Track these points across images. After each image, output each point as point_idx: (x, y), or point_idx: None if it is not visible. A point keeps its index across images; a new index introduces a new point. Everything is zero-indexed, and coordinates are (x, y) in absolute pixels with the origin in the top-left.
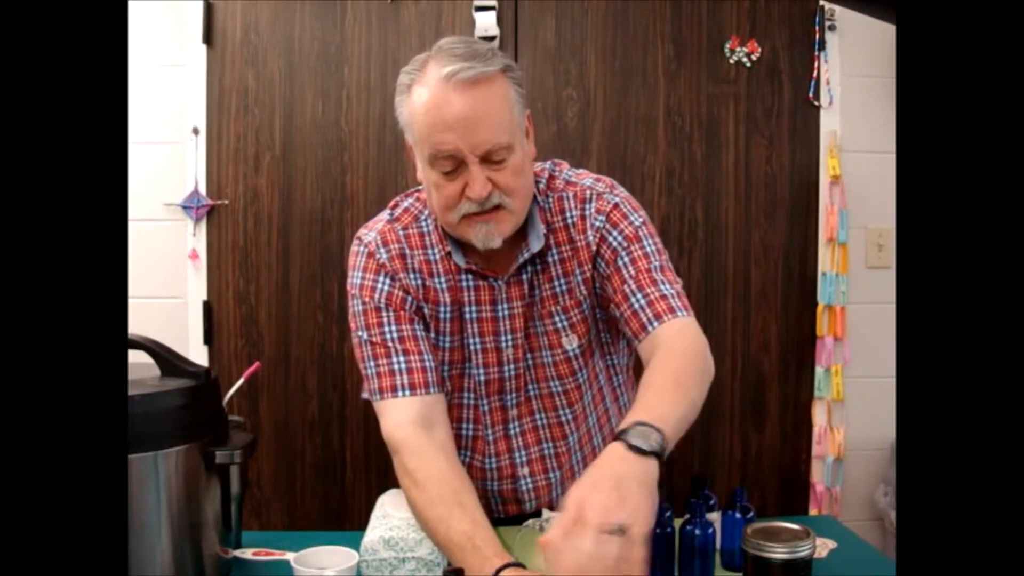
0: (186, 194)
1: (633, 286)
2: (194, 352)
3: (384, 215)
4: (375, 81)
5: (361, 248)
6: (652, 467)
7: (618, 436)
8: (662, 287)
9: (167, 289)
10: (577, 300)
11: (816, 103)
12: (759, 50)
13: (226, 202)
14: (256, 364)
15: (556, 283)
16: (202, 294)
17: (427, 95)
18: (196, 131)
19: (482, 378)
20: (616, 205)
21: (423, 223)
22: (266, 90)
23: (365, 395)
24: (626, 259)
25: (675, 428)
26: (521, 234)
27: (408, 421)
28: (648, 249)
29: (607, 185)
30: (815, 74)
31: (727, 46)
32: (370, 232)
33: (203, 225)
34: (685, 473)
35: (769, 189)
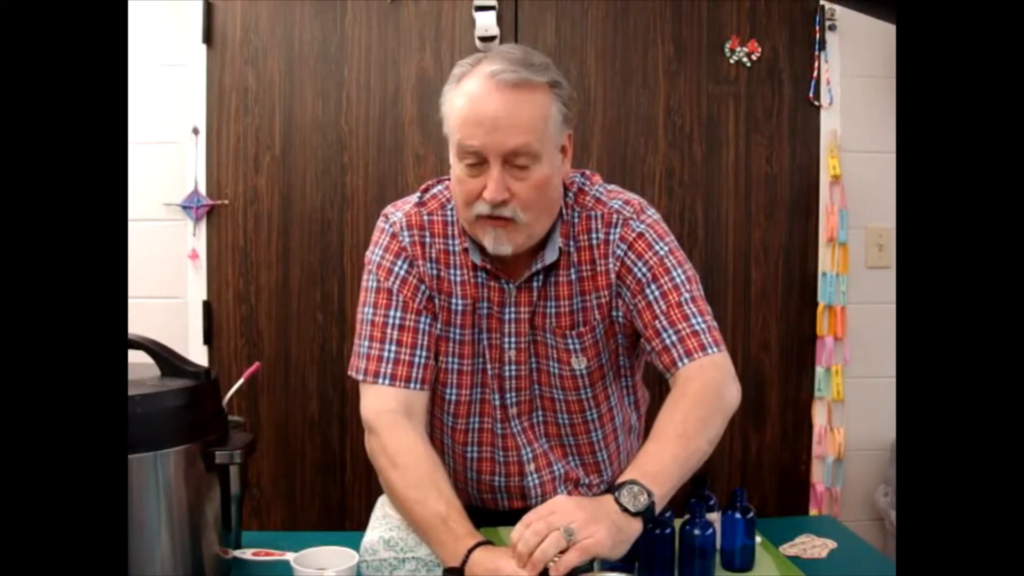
0: (186, 194)
1: (664, 322)
2: (194, 352)
3: (414, 197)
4: (375, 81)
5: (387, 226)
6: (632, 526)
7: (612, 490)
8: (693, 321)
9: (167, 289)
10: (591, 325)
11: (816, 103)
12: (759, 50)
13: (226, 202)
14: (256, 364)
15: (574, 301)
16: (202, 294)
17: (468, 89)
18: (196, 131)
19: (492, 372)
20: (640, 234)
21: (448, 212)
22: (266, 90)
23: (351, 372)
24: (656, 293)
25: (671, 484)
26: (540, 242)
27: (389, 409)
28: (677, 280)
29: (635, 209)
30: (815, 74)
31: (727, 46)
32: (397, 212)
33: (203, 225)
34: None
35: (769, 189)
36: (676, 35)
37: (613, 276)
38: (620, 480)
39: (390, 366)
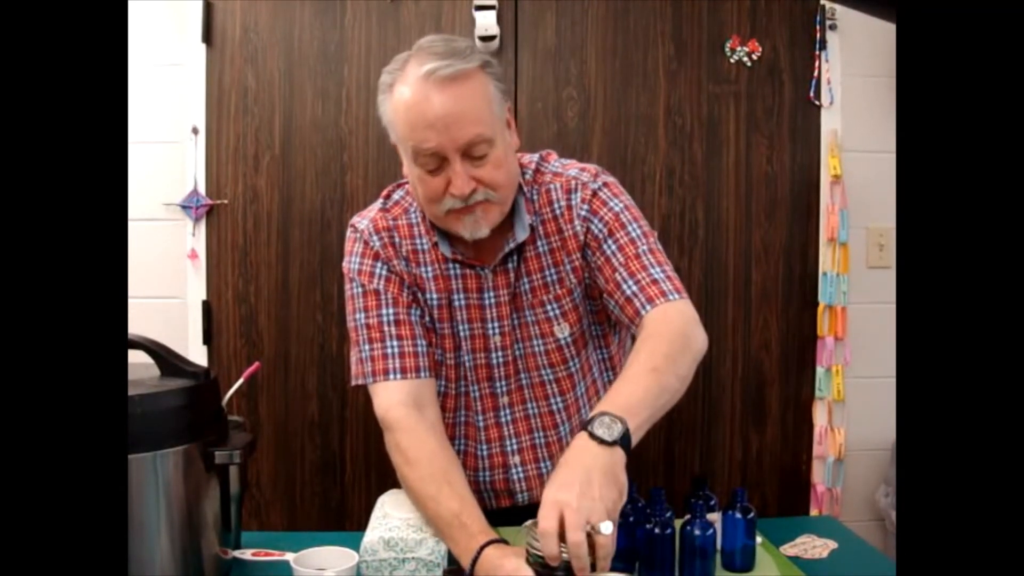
0: (186, 194)
1: (624, 273)
2: (194, 352)
3: (377, 204)
4: (375, 81)
5: (357, 235)
6: (616, 456)
7: (585, 426)
8: (652, 271)
9: (167, 289)
10: (568, 289)
11: (817, 103)
12: (760, 49)
13: (226, 202)
14: (256, 364)
15: (547, 272)
16: (201, 294)
17: (408, 94)
18: (196, 131)
19: (470, 364)
20: (595, 193)
21: (412, 214)
22: (266, 90)
23: (358, 380)
24: (613, 247)
25: (645, 416)
26: (507, 224)
27: (400, 402)
28: (634, 234)
29: (591, 174)
30: (816, 74)
31: (728, 45)
32: (363, 220)
33: (203, 225)
34: (685, 473)
35: (770, 189)
36: (676, 35)
37: (581, 238)
38: (591, 416)
39: (396, 360)
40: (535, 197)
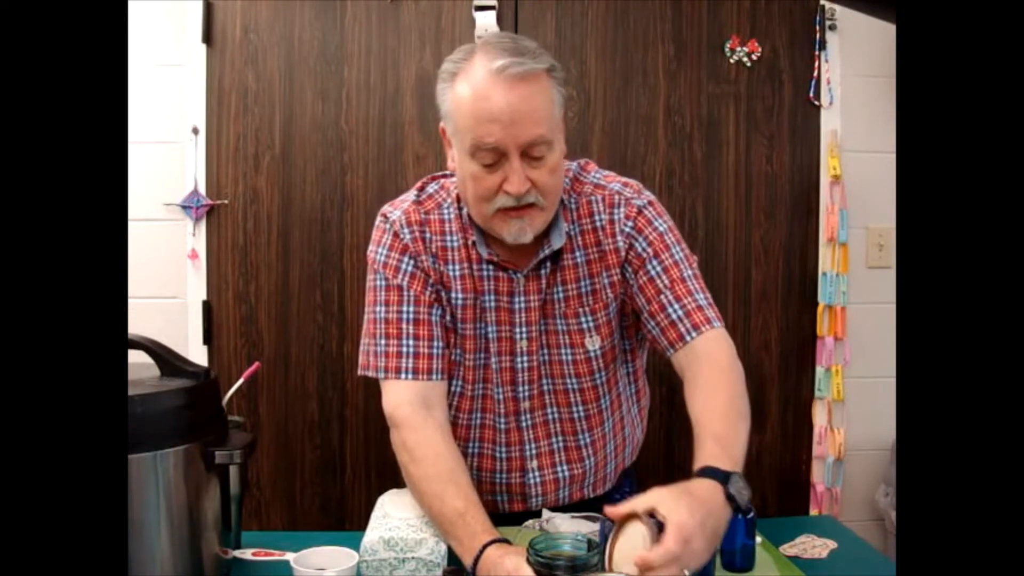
0: (186, 194)
1: (670, 296)
2: (194, 352)
3: (411, 195)
4: (375, 81)
5: (387, 225)
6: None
7: (715, 475)
8: (697, 296)
9: (167, 289)
10: (604, 303)
11: (816, 103)
12: (759, 50)
13: (226, 202)
14: (256, 364)
15: (582, 283)
16: (202, 294)
17: (474, 87)
18: (196, 131)
19: (495, 366)
20: (641, 211)
21: (445, 210)
22: (266, 90)
23: (368, 372)
24: (658, 268)
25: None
26: (543, 230)
27: (408, 401)
28: (677, 257)
29: (635, 190)
30: (815, 74)
31: (727, 46)
32: (396, 211)
33: (203, 225)
34: (685, 473)
35: (769, 189)
36: (676, 35)
37: (623, 253)
38: (716, 464)
39: (410, 360)
40: (573, 206)
